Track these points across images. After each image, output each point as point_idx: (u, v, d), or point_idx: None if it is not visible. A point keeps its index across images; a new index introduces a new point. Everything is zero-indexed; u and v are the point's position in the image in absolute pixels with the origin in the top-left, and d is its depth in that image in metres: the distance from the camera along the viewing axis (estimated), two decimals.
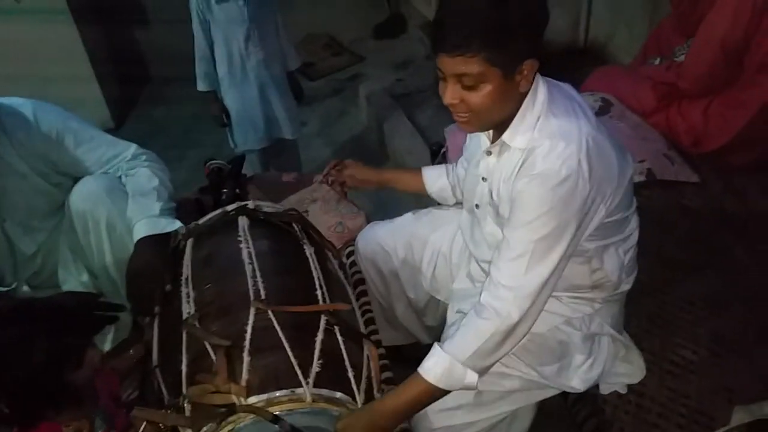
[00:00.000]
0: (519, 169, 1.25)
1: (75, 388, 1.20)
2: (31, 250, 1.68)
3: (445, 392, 1.25)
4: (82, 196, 1.59)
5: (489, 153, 1.36)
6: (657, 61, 2.40)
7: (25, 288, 1.70)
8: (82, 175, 1.64)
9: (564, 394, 1.47)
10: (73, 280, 1.71)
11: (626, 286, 1.43)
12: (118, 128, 3.72)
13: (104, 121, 3.63)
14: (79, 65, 3.52)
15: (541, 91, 1.26)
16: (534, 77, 1.24)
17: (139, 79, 4.15)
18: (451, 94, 1.22)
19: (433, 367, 1.23)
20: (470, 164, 1.48)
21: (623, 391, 1.48)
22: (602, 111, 2.24)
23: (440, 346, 1.25)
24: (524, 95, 1.25)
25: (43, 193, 1.63)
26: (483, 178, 1.39)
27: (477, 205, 1.45)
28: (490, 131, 1.34)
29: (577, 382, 1.40)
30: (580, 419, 1.49)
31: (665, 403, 1.47)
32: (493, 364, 1.28)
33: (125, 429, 1.23)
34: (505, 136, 1.28)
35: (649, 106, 2.26)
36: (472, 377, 1.23)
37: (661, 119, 2.23)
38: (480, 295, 1.26)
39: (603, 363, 1.42)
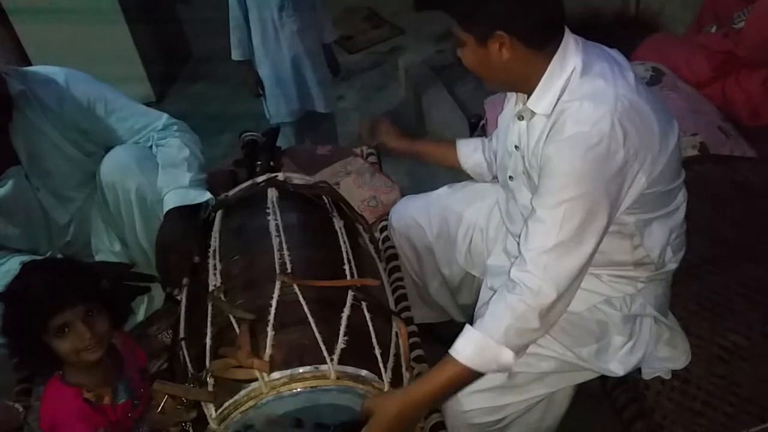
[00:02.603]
0: (548, 133, 1.19)
1: (53, 354, 1.20)
2: (64, 220, 1.69)
3: (479, 374, 1.19)
4: (112, 167, 1.59)
5: (521, 118, 1.30)
6: (713, 30, 2.26)
7: (59, 257, 1.72)
8: (113, 145, 1.64)
9: (603, 378, 1.40)
10: (106, 250, 1.72)
11: (672, 265, 1.35)
12: (159, 103, 3.75)
13: (146, 95, 3.66)
14: (122, 40, 3.54)
15: (571, 55, 1.20)
16: (537, 44, 1.19)
17: (181, 55, 4.16)
18: (458, 50, 1.27)
19: (464, 347, 1.17)
20: (501, 135, 1.41)
21: (667, 376, 1.41)
22: (653, 81, 2.12)
23: (471, 326, 1.20)
24: (518, 61, 1.20)
25: (75, 162, 1.63)
26: (516, 147, 1.33)
27: (511, 177, 1.38)
28: (524, 96, 1.27)
29: (615, 365, 1.33)
30: (620, 405, 1.42)
31: (712, 390, 1.39)
32: (529, 344, 1.22)
33: (148, 401, 1.22)
34: (530, 103, 1.24)
35: (704, 76, 2.13)
36: (507, 355, 1.17)
37: (716, 90, 2.11)
38: (509, 270, 1.21)
39: (645, 346, 1.35)
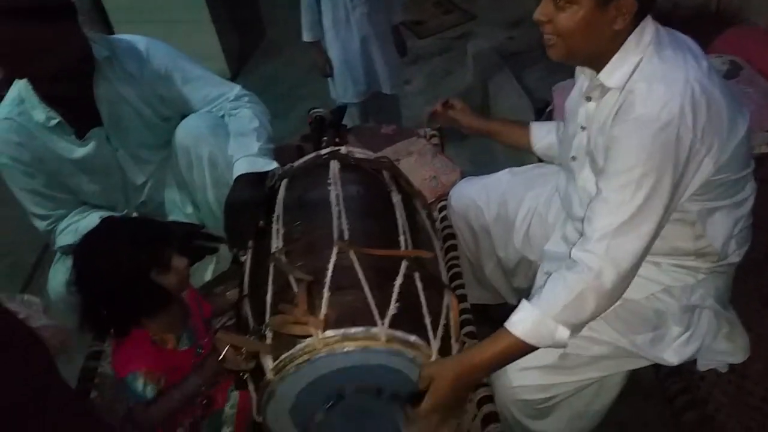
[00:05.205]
0: (616, 113, 1.17)
1: (164, 290, 1.28)
2: (140, 180, 1.79)
3: (533, 348, 1.20)
4: (187, 132, 1.67)
5: (588, 99, 1.29)
6: None
7: (135, 216, 1.82)
8: (188, 112, 1.72)
9: (656, 367, 1.38)
10: (178, 211, 1.82)
11: (736, 258, 1.32)
12: (233, 79, 3.85)
13: (221, 71, 3.78)
14: (200, 18, 3.68)
15: (648, 33, 1.18)
16: (636, 19, 1.16)
17: (255, 35, 4.27)
18: (541, 9, 1.19)
19: (521, 322, 1.19)
20: (568, 116, 1.40)
21: (723, 369, 1.38)
22: (729, 75, 2.05)
23: (528, 301, 1.21)
24: (618, 33, 1.17)
25: (152, 126, 1.73)
26: (582, 127, 1.32)
27: (574, 158, 1.38)
28: (593, 74, 1.26)
29: (671, 354, 1.31)
30: (672, 393, 1.40)
31: None
32: (585, 323, 1.21)
33: (210, 351, 1.29)
34: (602, 76, 1.22)
35: None
36: (562, 333, 1.18)
37: None
38: (571, 251, 1.20)
39: (701, 338, 1.33)
